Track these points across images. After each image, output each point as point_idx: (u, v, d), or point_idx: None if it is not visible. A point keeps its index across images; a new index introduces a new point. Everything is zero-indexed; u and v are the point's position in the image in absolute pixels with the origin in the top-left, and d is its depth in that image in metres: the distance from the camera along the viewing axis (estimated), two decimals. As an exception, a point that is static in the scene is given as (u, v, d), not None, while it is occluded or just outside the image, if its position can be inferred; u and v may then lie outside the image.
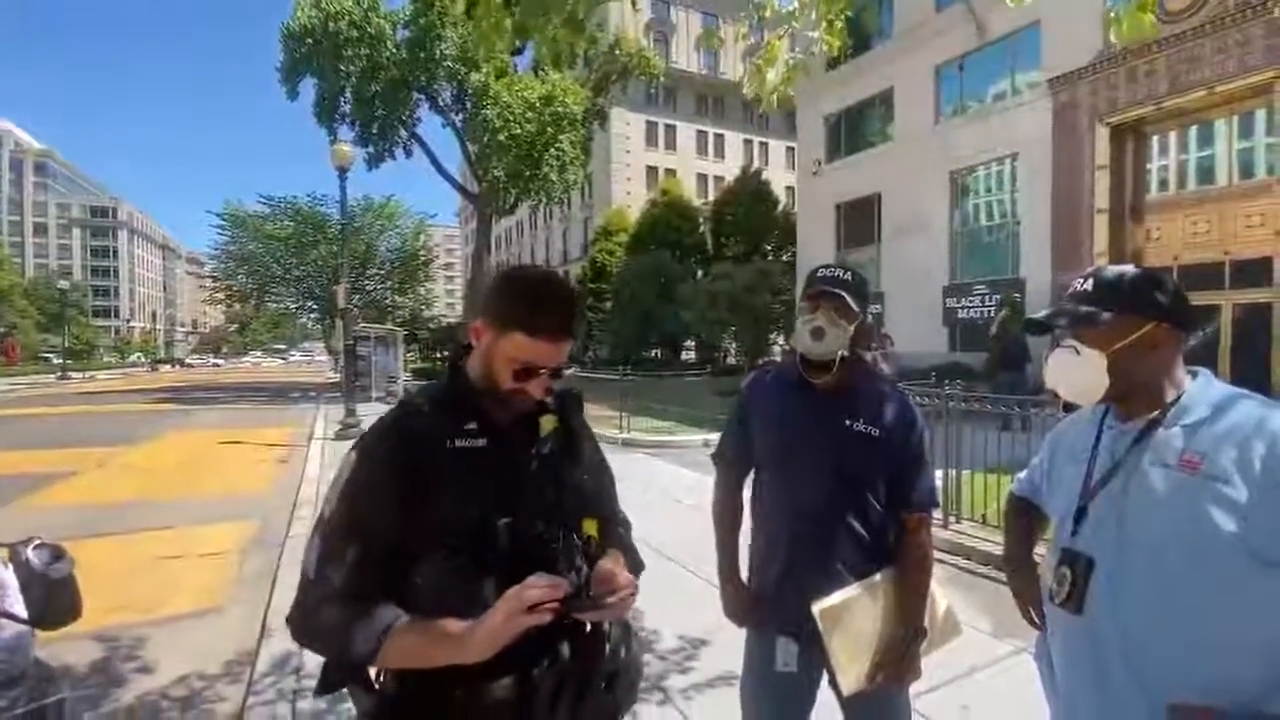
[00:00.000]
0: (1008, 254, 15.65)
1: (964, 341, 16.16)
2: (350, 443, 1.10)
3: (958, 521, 4.89)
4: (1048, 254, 14.09)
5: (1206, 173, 12.49)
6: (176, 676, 3.04)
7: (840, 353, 1.49)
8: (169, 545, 5.16)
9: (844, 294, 1.48)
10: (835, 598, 1.45)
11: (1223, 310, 11.86)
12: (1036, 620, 1.25)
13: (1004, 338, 11.91)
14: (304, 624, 0.97)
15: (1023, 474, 1.43)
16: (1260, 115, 11.51)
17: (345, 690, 1.02)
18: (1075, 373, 1.08)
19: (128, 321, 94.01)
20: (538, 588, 0.89)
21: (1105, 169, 13.18)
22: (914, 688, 1.63)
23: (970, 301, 16.13)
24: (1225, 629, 0.94)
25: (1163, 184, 13.13)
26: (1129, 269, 1.09)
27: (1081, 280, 1.11)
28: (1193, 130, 12.57)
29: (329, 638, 0.95)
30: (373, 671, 1.01)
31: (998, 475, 4.74)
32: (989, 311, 15.48)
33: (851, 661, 1.45)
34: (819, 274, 1.54)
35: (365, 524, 0.96)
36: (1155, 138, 13.11)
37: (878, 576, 1.50)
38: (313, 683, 1.08)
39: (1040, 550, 1.38)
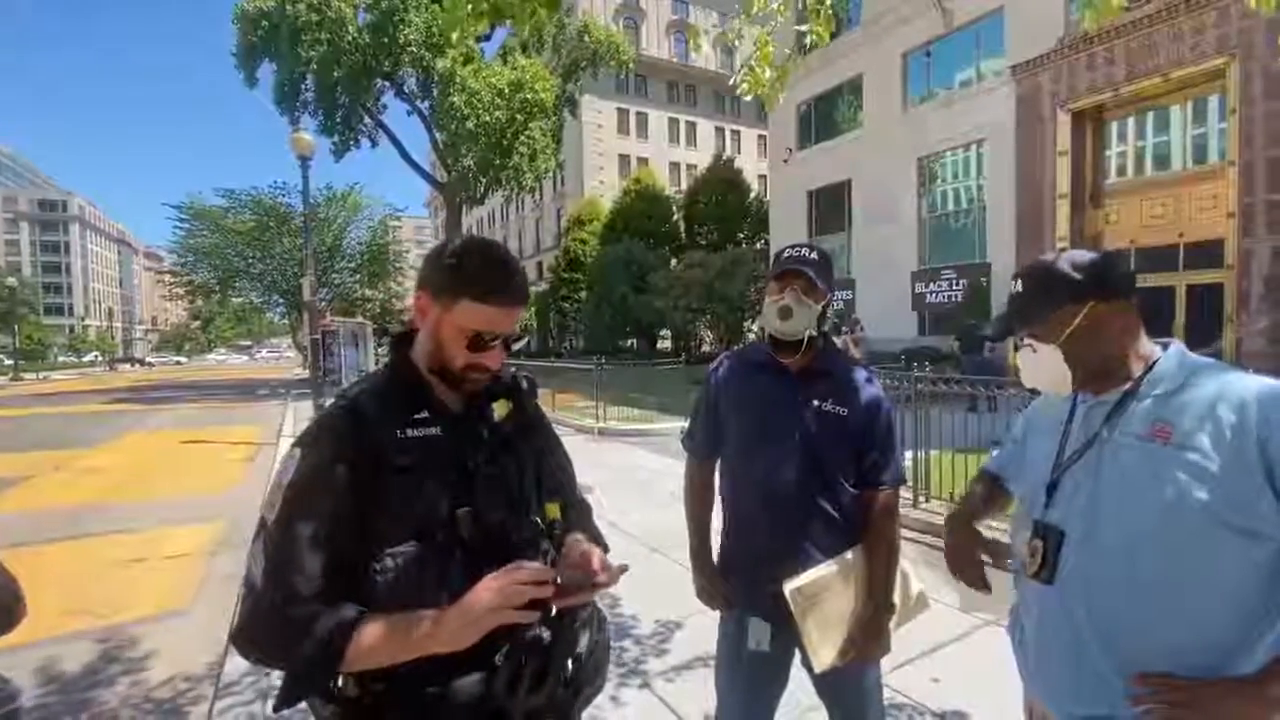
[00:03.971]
0: (974, 239, 15.96)
1: (933, 326, 16.47)
2: None
3: (927, 501, 4.99)
4: (1012, 238, 14.41)
5: (1162, 158, 12.87)
6: (139, 682, 2.96)
7: (809, 332, 1.49)
8: (131, 549, 5.00)
9: (810, 272, 1.48)
10: (806, 577, 1.45)
11: (1177, 291, 12.27)
12: (966, 578, 1.27)
13: (964, 322, 12.19)
14: (256, 637, 0.90)
15: (996, 452, 1.45)
16: (1213, 101, 11.88)
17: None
18: (1041, 369, 1.11)
19: (82, 319, 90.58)
20: (526, 581, 0.86)
21: (1066, 155, 13.49)
22: (886, 662, 1.65)
23: (938, 286, 16.43)
24: (1196, 596, 0.95)
25: (1121, 169, 13.50)
26: (1050, 259, 1.11)
27: (1015, 282, 1.15)
28: (1149, 116, 12.93)
29: (287, 647, 0.88)
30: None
31: (965, 455, 4.85)
32: (957, 296, 15.80)
33: (824, 639, 1.47)
34: (785, 254, 1.54)
35: (314, 524, 0.90)
36: (1114, 124, 13.46)
37: (848, 554, 1.51)
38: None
39: (999, 525, 1.40)
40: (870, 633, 1.49)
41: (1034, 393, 1.24)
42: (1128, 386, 1.06)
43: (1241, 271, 11.22)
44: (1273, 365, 10.11)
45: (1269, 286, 10.92)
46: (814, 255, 1.52)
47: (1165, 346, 1.09)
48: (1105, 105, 13.16)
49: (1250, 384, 0.96)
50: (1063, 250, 1.13)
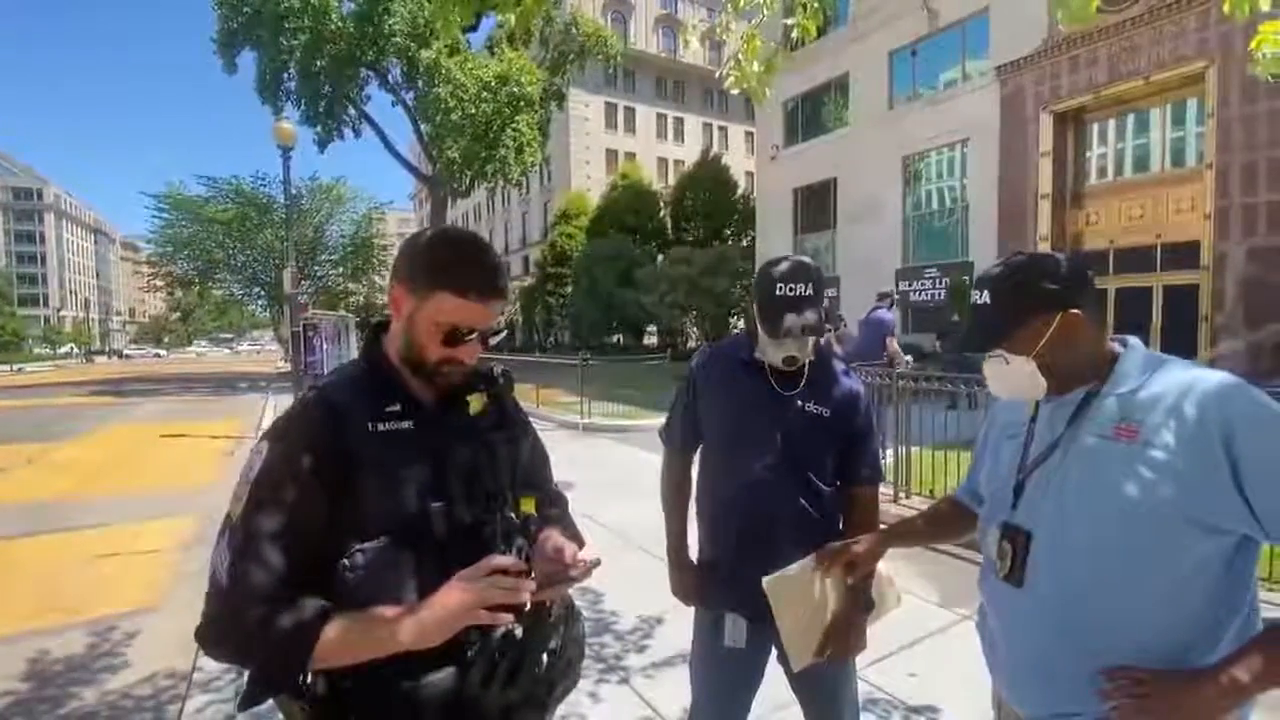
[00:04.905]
0: (957, 238, 16.11)
1: (916, 324, 16.61)
2: None
3: (907, 497, 5.04)
4: (995, 238, 14.56)
5: (1142, 160, 13.07)
6: (113, 679, 2.91)
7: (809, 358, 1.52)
8: (104, 544, 4.91)
9: (813, 316, 1.46)
10: (783, 573, 1.45)
11: (1155, 291, 12.48)
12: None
13: (948, 321, 12.32)
14: (220, 636, 0.87)
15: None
16: (1191, 104, 12.08)
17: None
18: (1013, 380, 1.09)
19: (58, 310, 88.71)
20: (502, 584, 0.85)
21: (1048, 155, 13.65)
22: (863, 658, 1.66)
23: (922, 285, 16.58)
24: (1164, 593, 0.96)
25: (1101, 171, 13.69)
26: (1015, 269, 1.08)
27: (979, 293, 1.10)
28: (1129, 118, 13.12)
29: (252, 646, 0.85)
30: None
31: (944, 452, 4.90)
32: (939, 295, 15.95)
33: (801, 637, 1.46)
34: (779, 290, 1.45)
35: (283, 518, 0.88)
36: (1095, 125, 13.64)
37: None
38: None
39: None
40: (848, 630, 1.49)
41: None
42: (1090, 386, 1.06)
43: (1217, 273, 11.44)
44: (1246, 366, 10.33)
45: (1243, 288, 11.15)
46: (810, 290, 1.46)
47: (1124, 343, 1.09)
48: (1087, 107, 13.33)
49: (1212, 380, 0.97)
50: (1018, 254, 1.11)
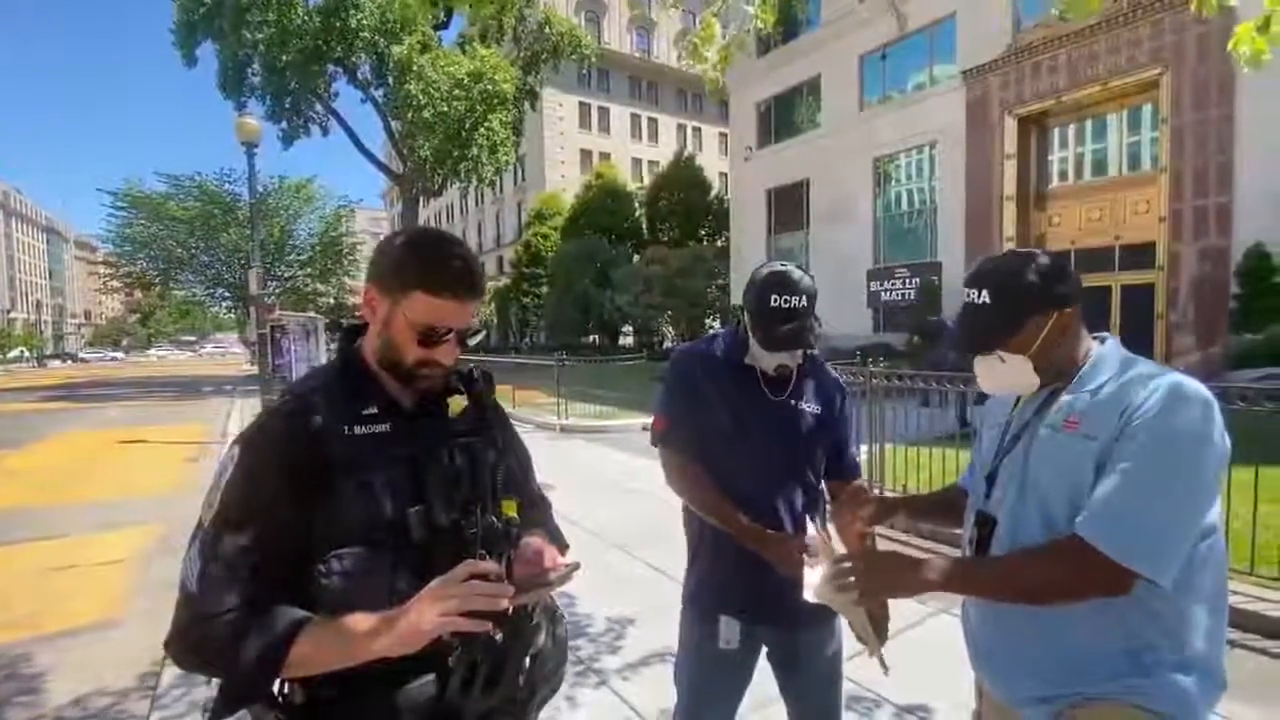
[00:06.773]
0: (926, 238, 16.45)
1: (887, 323, 16.91)
2: None
3: (880, 494, 5.12)
4: (962, 238, 14.89)
5: (1100, 164, 13.51)
6: (72, 696, 2.79)
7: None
8: (60, 555, 4.72)
9: (810, 335, 1.46)
10: (808, 581, 1.26)
11: (1113, 290, 12.90)
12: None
13: (925, 319, 12.56)
14: (192, 644, 0.85)
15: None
16: (1147, 110, 12.52)
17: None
18: (1007, 377, 1.12)
19: (7, 313, 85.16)
20: (479, 592, 0.83)
21: (1013, 158, 14.02)
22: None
23: (893, 284, 16.88)
24: None
25: (1063, 174, 14.11)
26: (1014, 265, 1.09)
27: (975, 291, 1.10)
28: (1089, 123, 13.54)
29: (225, 654, 0.83)
30: (275, 685, 0.91)
31: (918, 449, 4.99)
32: (910, 294, 16.25)
33: (861, 628, 1.33)
34: (776, 306, 1.44)
35: (256, 525, 0.86)
36: (1057, 130, 14.05)
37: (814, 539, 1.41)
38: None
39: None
40: (882, 614, 1.39)
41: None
42: (1061, 381, 1.10)
43: (1171, 272, 11.87)
44: (1198, 363, 10.74)
45: (1194, 286, 11.59)
46: (803, 301, 1.46)
47: (1101, 341, 1.13)
48: (1049, 111, 13.72)
49: (1162, 385, 0.98)
50: (1013, 252, 1.13)
